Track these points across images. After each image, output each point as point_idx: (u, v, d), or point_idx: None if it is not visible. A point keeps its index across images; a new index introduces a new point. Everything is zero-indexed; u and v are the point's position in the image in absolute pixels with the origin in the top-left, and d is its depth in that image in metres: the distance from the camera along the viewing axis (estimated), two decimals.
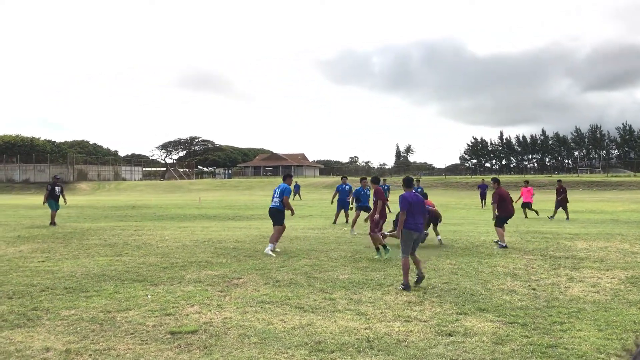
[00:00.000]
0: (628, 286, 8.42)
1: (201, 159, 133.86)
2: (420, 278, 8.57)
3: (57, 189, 21.07)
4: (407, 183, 9.22)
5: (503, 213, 13.30)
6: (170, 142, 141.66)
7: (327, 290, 8.26)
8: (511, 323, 6.35)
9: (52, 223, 20.06)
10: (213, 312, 6.99)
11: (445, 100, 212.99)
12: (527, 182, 25.14)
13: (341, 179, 21.08)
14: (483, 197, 31.31)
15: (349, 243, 13.78)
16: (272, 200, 13.23)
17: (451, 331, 6.04)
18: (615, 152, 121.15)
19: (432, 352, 5.34)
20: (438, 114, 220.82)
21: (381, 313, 6.88)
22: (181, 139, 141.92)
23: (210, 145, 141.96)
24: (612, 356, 5.16)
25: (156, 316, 6.81)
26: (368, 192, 17.55)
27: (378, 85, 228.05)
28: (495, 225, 13.35)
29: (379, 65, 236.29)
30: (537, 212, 23.10)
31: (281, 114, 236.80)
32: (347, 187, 20.52)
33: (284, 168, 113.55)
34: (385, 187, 22.89)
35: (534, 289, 8.25)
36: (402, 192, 9.01)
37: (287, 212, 13.10)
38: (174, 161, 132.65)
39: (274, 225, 12.94)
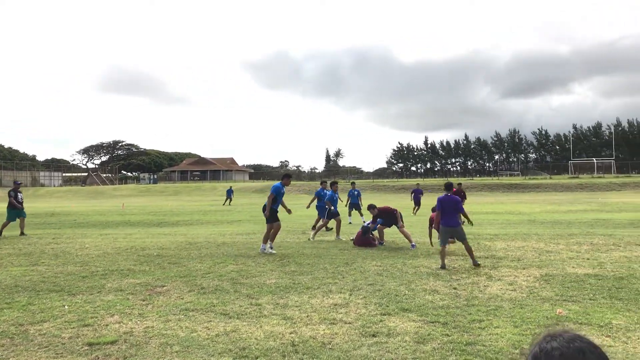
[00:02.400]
0: (542, 283, 8.82)
1: (125, 163, 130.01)
2: (475, 264, 10.62)
3: (20, 195, 19.27)
4: (447, 187, 11.49)
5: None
6: (92, 147, 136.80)
7: (253, 295, 8.19)
8: (433, 322, 6.51)
9: (23, 233, 18.61)
10: (134, 322, 6.77)
11: (374, 106, 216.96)
12: (457, 184, 26.04)
13: (320, 184, 20.17)
14: (417, 202, 29.90)
15: (277, 247, 13.73)
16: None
17: (375, 332, 6.13)
18: (533, 156, 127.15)
19: (356, 354, 5.39)
20: (367, 119, 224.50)
21: (307, 317, 6.89)
22: (103, 143, 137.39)
23: (134, 150, 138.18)
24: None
25: (73, 327, 6.53)
26: (337, 197, 17.81)
27: (309, 91, 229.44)
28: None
29: (310, 71, 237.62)
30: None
31: (210, 118, 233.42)
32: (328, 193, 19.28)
33: (212, 172, 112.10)
34: (356, 192, 23.42)
35: (454, 289, 8.51)
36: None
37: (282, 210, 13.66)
38: (96, 166, 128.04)
39: (266, 223, 13.40)
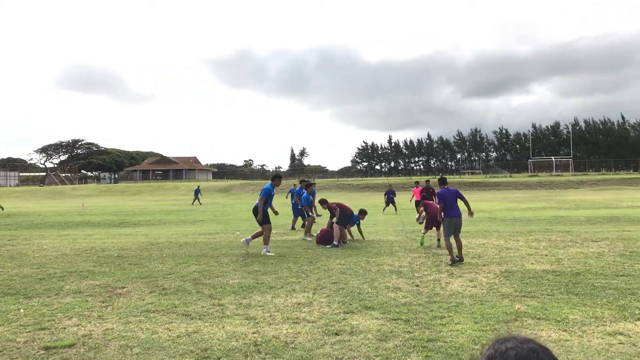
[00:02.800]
0: (502, 280, 8.99)
1: (85, 163, 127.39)
2: (459, 259, 10.78)
3: None
4: (442, 181, 11.71)
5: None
6: (50, 146, 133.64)
7: (216, 296, 8.11)
8: (395, 319, 6.57)
9: None
10: (93, 324, 6.63)
11: (339, 105, 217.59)
12: (417, 182, 26.34)
13: (300, 182, 19.44)
14: (391, 202, 28.77)
15: (241, 247, 13.65)
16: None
17: (338, 330, 6.14)
18: (494, 155, 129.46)
19: (318, 353, 5.39)
20: (332, 118, 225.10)
21: (270, 316, 6.86)
22: (62, 142, 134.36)
23: (94, 149, 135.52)
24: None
25: (29, 331, 6.35)
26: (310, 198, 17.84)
27: (274, 90, 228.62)
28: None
29: (275, 70, 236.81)
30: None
31: (173, 116, 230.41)
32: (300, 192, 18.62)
33: (175, 172, 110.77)
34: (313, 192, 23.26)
35: (417, 286, 8.60)
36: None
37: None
38: (55, 165, 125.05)
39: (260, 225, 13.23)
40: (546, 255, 11.54)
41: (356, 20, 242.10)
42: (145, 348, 5.64)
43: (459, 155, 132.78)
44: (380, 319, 6.63)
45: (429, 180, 25.21)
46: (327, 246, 13.72)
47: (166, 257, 12.28)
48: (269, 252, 12.59)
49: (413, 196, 24.89)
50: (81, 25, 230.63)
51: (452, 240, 10.97)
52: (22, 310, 7.37)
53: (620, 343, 5.56)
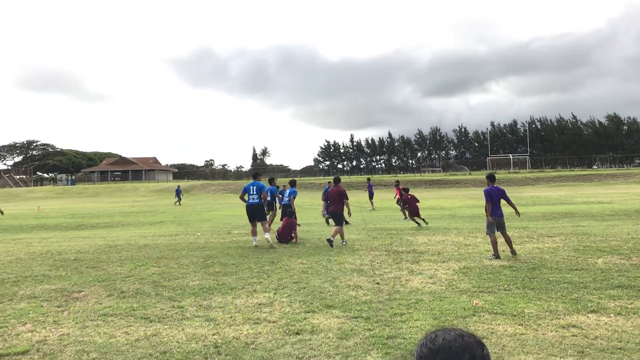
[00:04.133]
0: (460, 276, 9.14)
1: (40, 164, 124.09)
2: (513, 253, 11.16)
3: None
4: (491, 178, 11.83)
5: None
6: (3, 147, 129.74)
7: (175, 298, 8.01)
8: (355, 317, 6.61)
9: None
10: (48, 330, 6.47)
11: (301, 104, 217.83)
12: (398, 182, 26.90)
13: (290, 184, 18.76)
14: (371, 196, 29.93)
15: (202, 249, 13.52)
16: (249, 198, 13.77)
17: (299, 330, 6.14)
18: (453, 153, 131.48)
19: (279, 352, 5.39)
20: (294, 117, 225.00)
21: (231, 317, 6.82)
22: (17, 143, 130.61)
23: (50, 150, 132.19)
24: None
25: None
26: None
27: (235, 89, 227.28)
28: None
29: (236, 69, 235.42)
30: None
31: (131, 116, 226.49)
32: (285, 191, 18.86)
33: (134, 172, 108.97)
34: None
35: (377, 284, 8.67)
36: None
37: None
38: (9, 167, 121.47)
39: (258, 221, 13.71)
40: (503, 251, 11.77)
41: (316, 19, 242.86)
42: (103, 352, 5.53)
43: (419, 154, 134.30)
44: (341, 317, 6.66)
45: (398, 181, 25.98)
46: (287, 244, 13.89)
47: (125, 259, 12.07)
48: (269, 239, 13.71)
49: (396, 195, 25.64)
50: (39, 24, 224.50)
51: (497, 235, 11.27)
52: None
53: (573, 335, 5.72)
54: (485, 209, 11.37)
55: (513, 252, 11.18)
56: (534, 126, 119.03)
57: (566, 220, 18.79)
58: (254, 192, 13.67)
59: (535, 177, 69.57)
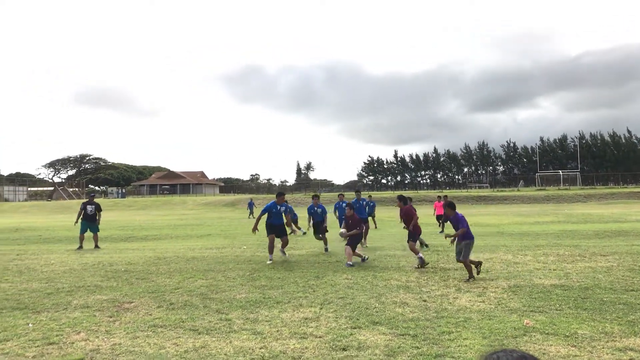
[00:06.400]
0: (510, 295, 8.94)
1: (92, 177, 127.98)
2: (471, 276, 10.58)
3: (90, 207, 18.99)
4: (452, 206, 11.32)
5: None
6: (58, 160, 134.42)
7: (223, 310, 8.11)
8: (402, 335, 6.54)
9: (80, 247, 18.49)
10: (101, 339, 6.64)
11: (345, 120, 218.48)
12: (439, 197, 26.30)
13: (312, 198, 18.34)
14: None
15: (248, 262, 13.65)
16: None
17: (345, 345, 6.12)
18: (501, 168, 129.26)
19: None
20: (338, 132, 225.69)
21: (277, 331, 6.85)
22: (70, 157, 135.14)
23: (102, 163, 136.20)
24: None
25: (37, 346, 6.37)
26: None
27: (282, 105, 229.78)
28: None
29: (283, 85, 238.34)
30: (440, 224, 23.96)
31: (180, 131, 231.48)
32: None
33: (182, 186, 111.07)
34: (372, 204, 25.41)
35: (424, 301, 8.56)
36: None
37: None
38: (63, 180, 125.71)
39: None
40: (554, 269, 11.47)
41: (362, 35, 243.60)
42: None
43: (466, 169, 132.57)
44: (387, 334, 6.61)
45: (447, 196, 25.21)
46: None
47: (173, 271, 12.30)
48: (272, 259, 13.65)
49: (435, 209, 24.99)
50: (95, 42, 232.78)
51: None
52: (30, 325, 7.40)
53: (630, 359, 5.52)
54: (459, 234, 10.78)
55: (472, 276, 10.52)
56: (584, 141, 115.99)
57: (620, 239, 18.16)
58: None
59: (586, 194, 67.59)
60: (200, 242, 20.47)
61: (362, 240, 16.53)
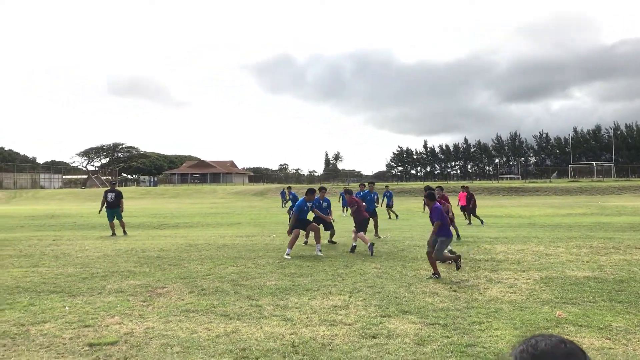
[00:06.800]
0: (542, 286, 8.83)
1: (125, 166, 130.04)
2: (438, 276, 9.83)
3: (110, 195, 19.37)
4: (431, 197, 10.52)
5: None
6: (92, 149, 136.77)
7: (253, 297, 8.20)
8: (432, 324, 6.53)
9: (113, 234, 18.88)
10: (135, 323, 6.79)
11: (374, 110, 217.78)
12: (463, 187, 25.87)
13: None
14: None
15: (277, 250, 13.75)
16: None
17: (375, 333, 6.14)
18: (533, 159, 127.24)
19: (356, 355, 5.41)
20: (366, 122, 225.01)
21: (307, 318, 6.90)
22: (104, 146, 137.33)
23: (134, 152, 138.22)
24: None
25: (74, 328, 6.54)
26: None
27: (311, 95, 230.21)
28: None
29: (312, 75, 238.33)
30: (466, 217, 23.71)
31: (211, 120, 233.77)
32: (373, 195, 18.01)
33: (212, 175, 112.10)
34: (389, 194, 27.26)
35: (454, 291, 8.52)
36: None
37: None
38: (96, 168, 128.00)
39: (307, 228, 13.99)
40: (587, 261, 11.29)
41: (393, 23, 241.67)
42: (185, 347, 5.75)
43: (497, 160, 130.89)
44: (417, 323, 6.61)
45: (442, 188, 24.89)
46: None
47: (204, 258, 12.47)
48: (320, 252, 13.15)
49: (459, 200, 24.66)
50: (127, 32, 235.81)
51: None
52: (67, 308, 7.59)
53: None
54: (434, 230, 10.04)
55: (437, 274, 9.81)
56: (619, 132, 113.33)
57: None
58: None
59: (620, 186, 66.06)
60: (230, 230, 20.68)
61: (375, 233, 16.44)
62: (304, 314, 7.09)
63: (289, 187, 25.59)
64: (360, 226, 13.99)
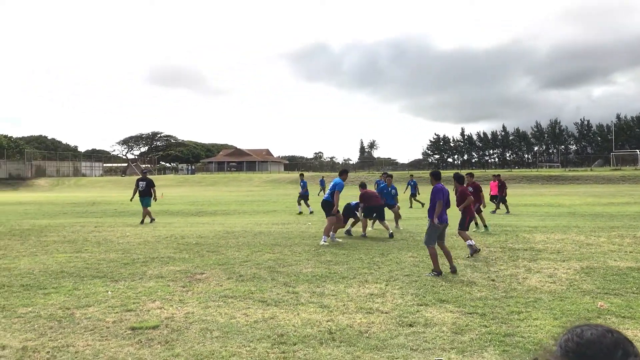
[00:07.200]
0: (583, 276, 8.67)
1: (163, 154, 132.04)
2: (452, 269, 9.09)
3: (141, 184, 19.73)
4: (436, 176, 9.78)
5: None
6: (131, 137, 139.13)
7: (290, 284, 8.28)
8: (470, 313, 6.48)
9: (142, 221, 18.98)
10: (175, 307, 6.93)
11: (410, 97, 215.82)
12: (494, 175, 25.49)
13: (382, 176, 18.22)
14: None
15: (313, 237, 13.82)
16: (325, 193, 14.30)
17: (412, 322, 6.13)
18: (573, 147, 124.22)
19: (393, 343, 5.42)
20: (402, 110, 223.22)
21: (343, 305, 6.94)
22: (143, 134, 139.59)
23: (172, 141, 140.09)
24: None
25: (116, 312, 6.73)
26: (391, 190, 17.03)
27: (346, 83, 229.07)
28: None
29: (348, 63, 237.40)
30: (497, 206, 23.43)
31: (247, 109, 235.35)
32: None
33: (248, 163, 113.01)
34: (413, 183, 27.66)
35: (493, 280, 8.43)
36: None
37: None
38: (136, 157, 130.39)
39: (326, 217, 13.63)
40: (631, 252, 11.01)
41: (430, 9, 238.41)
42: (224, 332, 5.85)
43: (536, 148, 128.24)
44: (455, 312, 6.57)
45: (499, 175, 24.62)
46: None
47: (242, 245, 12.62)
48: (337, 239, 13.26)
49: (491, 189, 24.34)
50: (167, 23, 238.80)
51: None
52: (109, 293, 7.80)
53: None
54: (429, 210, 9.42)
55: (453, 268, 9.09)
56: None
57: None
58: (329, 189, 13.80)
59: None
60: (266, 218, 20.85)
61: (396, 225, 16.32)
62: (340, 302, 7.13)
63: (301, 175, 25.64)
64: (379, 214, 14.63)
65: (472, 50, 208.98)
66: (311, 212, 22.34)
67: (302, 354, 5.15)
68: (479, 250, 11.24)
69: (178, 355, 5.16)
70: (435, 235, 9.23)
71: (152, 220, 19.16)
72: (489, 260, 10.36)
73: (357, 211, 14.79)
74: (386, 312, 6.57)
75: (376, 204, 14.77)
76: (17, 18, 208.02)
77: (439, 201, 9.25)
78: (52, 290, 7.97)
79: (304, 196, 23.47)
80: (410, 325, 6.00)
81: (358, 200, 14.82)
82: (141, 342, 5.57)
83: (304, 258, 10.72)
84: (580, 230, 14.95)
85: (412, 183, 28.43)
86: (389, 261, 10.30)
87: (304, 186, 24.05)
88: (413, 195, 28.04)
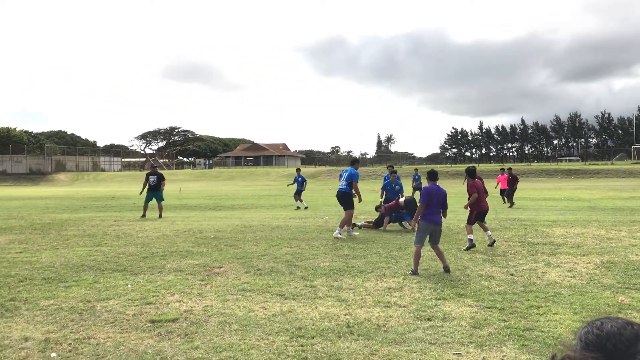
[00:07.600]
0: (603, 271, 8.58)
1: (181, 149, 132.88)
2: (446, 268, 8.71)
3: (152, 178, 19.77)
4: (432, 176, 9.49)
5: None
6: (149, 132, 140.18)
7: (308, 277, 8.30)
8: (489, 307, 6.45)
9: (160, 215, 19.01)
10: (194, 301, 6.99)
11: (429, 91, 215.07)
12: (503, 169, 25.38)
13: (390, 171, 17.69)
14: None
15: (330, 231, 13.83)
16: (340, 184, 13.98)
17: (430, 316, 6.12)
18: (594, 141, 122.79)
19: (411, 337, 5.41)
20: (420, 103, 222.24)
21: (361, 299, 6.94)
22: (160, 129, 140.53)
23: (190, 136, 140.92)
24: None
25: (136, 305, 6.80)
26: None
27: (364, 77, 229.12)
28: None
29: (366, 58, 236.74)
30: (505, 200, 23.27)
31: (264, 103, 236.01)
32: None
33: (265, 158, 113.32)
34: (417, 177, 26.93)
35: (511, 274, 8.38)
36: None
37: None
38: (154, 151, 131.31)
39: (344, 209, 13.53)
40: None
41: (448, 3, 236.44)
42: (243, 325, 5.89)
43: (555, 142, 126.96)
44: (473, 306, 6.54)
45: (511, 168, 24.50)
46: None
47: (259, 239, 12.68)
48: (354, 233, 13.35)
49: (498, 183, 24.23)
50: (183, 18, 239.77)
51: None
52: (129, 286, 7.89)
53: None
54: (418, 212, 9.02)
55: (446, 268, 8.69)
56: None
57: None
58: (344, 179, 13.63)
59: None
60: (283, 212, 20.91)
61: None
62: (358, 295, 7.14)
63: (298, 170, 25.57)
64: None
65: (490, 43, 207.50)
66: (297, 208, 22.52)
67: (320, 347, 5.17)
68: (474, 246, 11.00)
69: (197, 347, 5.21)
70: (424, 235, 8.88)
71: (160, 217, 19.02)
72: (508, 254, 10.29)
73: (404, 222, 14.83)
74: (404, 306, 6.57)
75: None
76: (33, 17, 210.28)
77: (421, 203, 8.98)
78: (73, 284, 8.08)
79: (299, 191, 23.42)
80: (429, 319, 5.99)
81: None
82: (161, 334, 5.63)
83: (321, 252, 10.74)
84: (600, 225, 14.79)
85: (416, 177, 28.31)
86: (407, 255, 10.28)
87: (299, 181, 23.78)
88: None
